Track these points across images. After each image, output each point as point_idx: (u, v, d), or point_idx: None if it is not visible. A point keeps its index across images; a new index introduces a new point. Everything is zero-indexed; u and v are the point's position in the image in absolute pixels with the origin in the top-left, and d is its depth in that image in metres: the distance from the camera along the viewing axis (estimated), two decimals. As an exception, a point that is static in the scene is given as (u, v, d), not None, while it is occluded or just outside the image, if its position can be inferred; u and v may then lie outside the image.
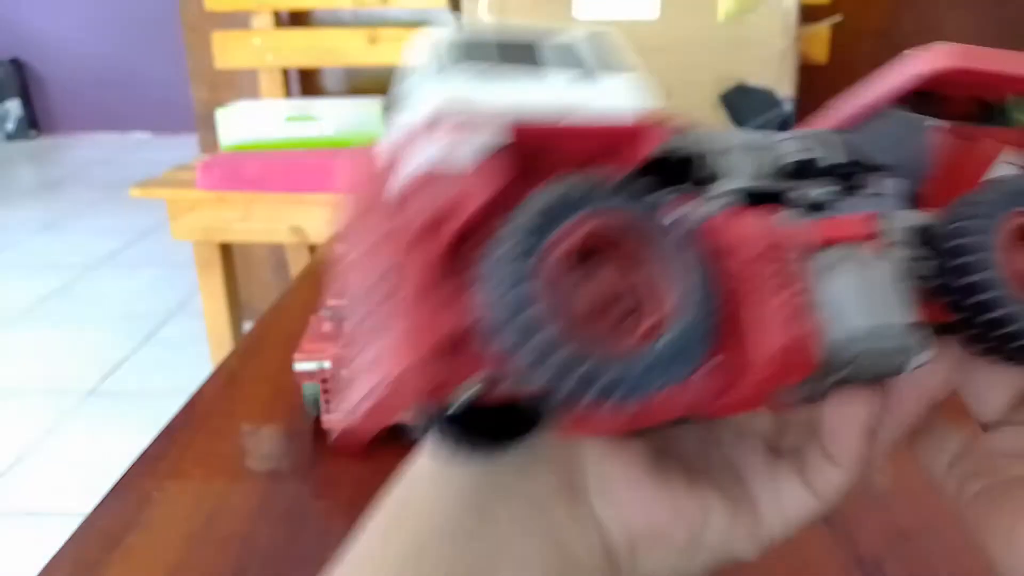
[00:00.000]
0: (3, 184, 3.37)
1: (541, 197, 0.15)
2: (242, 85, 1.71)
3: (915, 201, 0.20)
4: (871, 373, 0.18)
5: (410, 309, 0.15)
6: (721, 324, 0.16)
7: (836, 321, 0.17)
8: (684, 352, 0.15)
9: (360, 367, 0.16)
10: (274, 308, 0.73)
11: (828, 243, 0.18)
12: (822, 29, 1.44)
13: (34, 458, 1.45)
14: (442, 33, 0.16)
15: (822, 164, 0.20)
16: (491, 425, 0.19)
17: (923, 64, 0.19)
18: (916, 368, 0.18)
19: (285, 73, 1.64)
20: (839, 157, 0.20)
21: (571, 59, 0.17)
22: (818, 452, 0.22)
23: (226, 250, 1.36)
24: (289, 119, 1.30)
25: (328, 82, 1.77)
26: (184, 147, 2.91)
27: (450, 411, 0.18)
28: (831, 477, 0.22)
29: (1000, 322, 0.17)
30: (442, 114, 0.15)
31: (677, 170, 0.19)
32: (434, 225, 0.15)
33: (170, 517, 0.43)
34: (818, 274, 0.17)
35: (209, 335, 1.41)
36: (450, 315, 0.15)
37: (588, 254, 0.15)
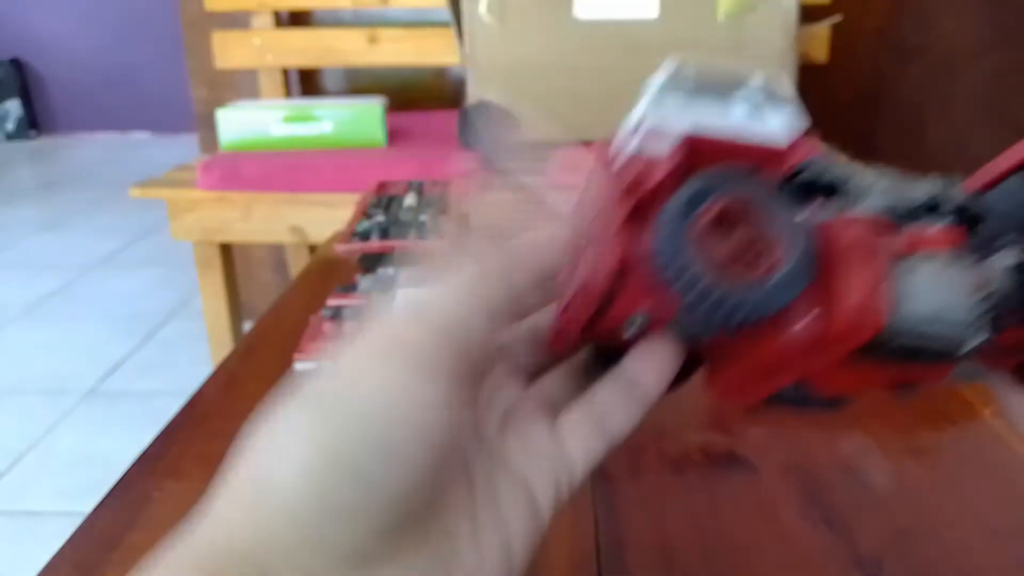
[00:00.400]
0: (3, 184, 3.37)
1: (694, 181, 0.22)
2: (242, 85, 1.71)
3: None
4: (928, 348, 0.22)
5: (610, 239, 0.23)
6: (819, 285, 0.22)
7: (906, 301, 0.22)
8: (789, 285, 0.22)
9: (572, 279, 0.25)
10: (274, 308, 0.73)
11: (916, 248, 0.22)
12: (822, 29, 1.44)
13: (34, 458, 1.46)
14: (666, 69, 0.24)
15: (947, 208, 0.24)
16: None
17: None
18: (968, 352, 0.22)
19: (285, 73, 1.65)
20: (965, 205, 0.24)
21: (752, 94, 0.24)
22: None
23: (226, 250, 1.36)
24: (289, 119, 1.30)
25: (328, 82, 1.77)
26: (184, 147, 2.91)
27: (625, 336, 0.25)
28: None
29: None
30: (648, 124, 0.23)
31: (823, 191, 0.25)
32: (633, 188, 0.23)
33: (170, 517, 0.43)
34: (904, 269, 0.22)
35: (209, 335, 1.41)
36: (635, 247, 0.23)
37: (727, 220, 0.22)
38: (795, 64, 1.22)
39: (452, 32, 1.32)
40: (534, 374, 0.29)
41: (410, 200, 0.76)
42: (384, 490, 0.20)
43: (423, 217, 0.71)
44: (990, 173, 0.26)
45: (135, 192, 1.28)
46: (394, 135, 1.35)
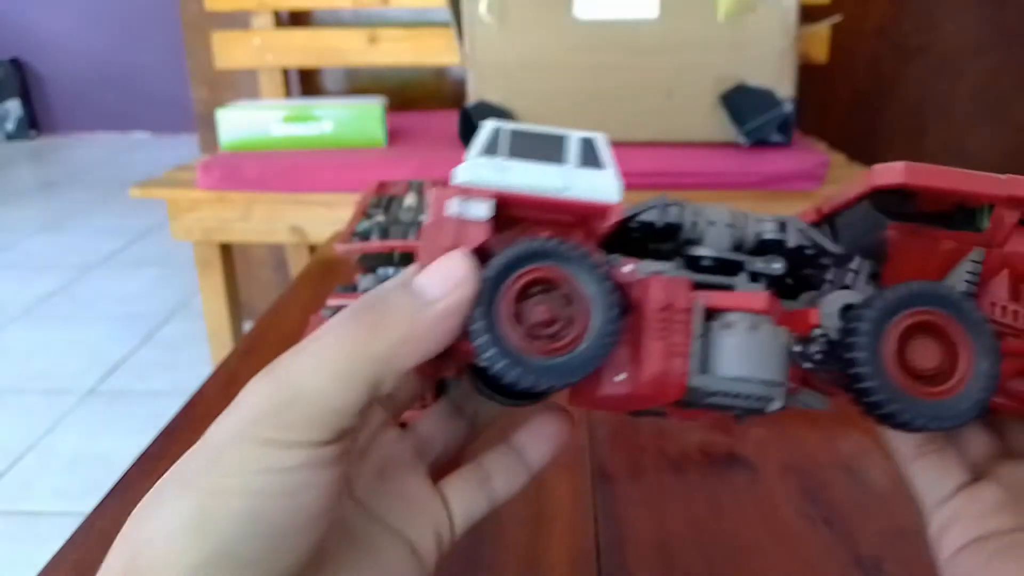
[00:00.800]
0: (3, 184, 3.37)
1: (506, 253, 0.23)
2: (242, 85, 1.71)
3: (878, 280, 0.25)
4: (737, 407, 0.23)
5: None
6: (629, 350, 0.24)
7: (710, 366, 0.23)
8: (591, 357, 0.23)
9: None
10: (274, 308, 0.73)
11: (725, 310, 0.23)
12: (822, 29, 1.44)
13: (34, 458, 1.46)
14: (491, 124, 0.25)
15: (789, 245, 0.25)
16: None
17: (877, 179, 0.24)
18: (773, 411, 0.23)
19: (285, 73, 1.65)
20: (804, 241, 0.25)
21: (575, 153, 0.24)
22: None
23: (226, 250, 1.36)
24: (289, 119, 1.30)
25: (328, 82, 1.77)
26: (184, 147, 2.91)
27: (475, 364, 0.25)
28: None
29: (870, 400, 0.23)
30: (464, 182, 0.24)
31: (660, 235, 0.26)
32: (452, 247, 0.24)
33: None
34: (712, 333, 0.23)
35: (209, 335, 1.41)
36: None
37: (539, 288, 0.23)
38: (795, 64, 1.22)
39: (452, 32, 1.32)
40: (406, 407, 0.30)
41: (410, 200, 0.76)
42: (261, 563, 0.21)
43: (423, 217, 0.71)
44: (830, 204, 0.27)
45: (135, 192, 1.28)
46: (394, 135, 1.35)
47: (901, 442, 0.27)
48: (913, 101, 1.68)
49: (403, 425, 0.29)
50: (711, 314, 0.24)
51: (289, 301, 0.76)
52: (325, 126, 1.30)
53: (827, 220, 0.27)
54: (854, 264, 0.25)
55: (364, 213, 0.72)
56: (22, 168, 3.69)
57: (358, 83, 1.75)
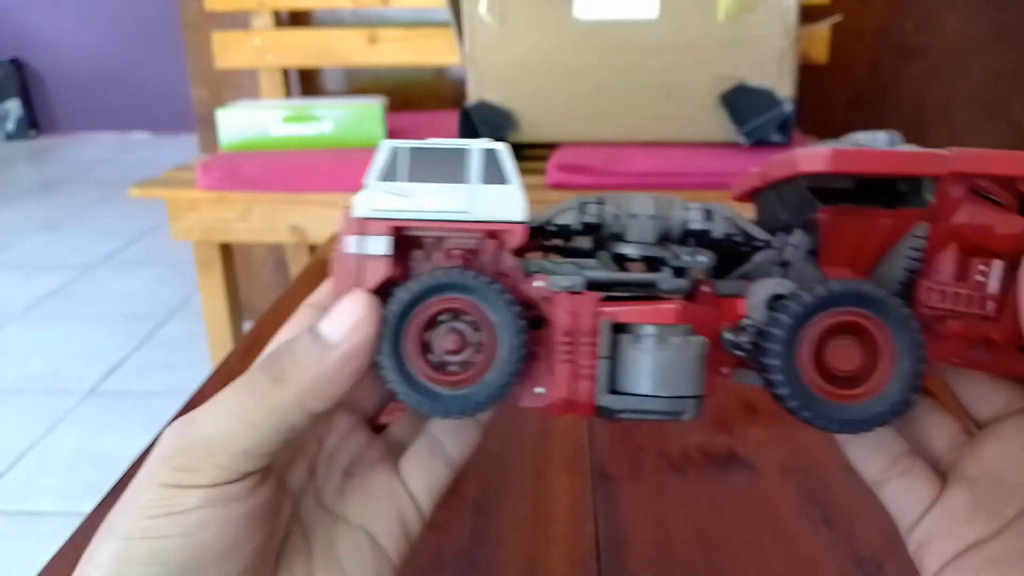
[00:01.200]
0: (3, 184, 3.37)
1: (406, 288, 0.23)
2: (242, 85, 1.71)
3: (816, 258, 0.25)
4: (652, 418, 0.24)
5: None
6: (546, 364, 0.24)
7: (621, 383, 0.23)
8: (498, 385, 0.23)
9: None
10: (274, 308, 0.73)
11: (636, 323, 0.23)
12: (822, 29, 1.44)
13: (34, 458, 1.46)
14: (389, 144, 0.24)
15: (714, 235, 0.25)
16: None
17: (803, 165, 0.23)
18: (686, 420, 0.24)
19: (285, 73, 1.65)
20: (731, 230, 0.25)
21: (477, 169, 0.24)
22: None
23: (226, 250, 1.36)
24: (289, 119, 1.30)
25: (328, 82, 1.77)
26: (184, 147, 2.91)
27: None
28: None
29: (783, 404, 0.23)
30: (360, 215, 0.24)
31: (584, 233, 0.26)
32: (357, 283, 0.24)
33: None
34: (622, 349, 0.23)
35: (209, 335, 1.41)
36: None
37: (448, 315, 0.24)
38: (795, 64, 1.22)
39: (452, 32, 1.32)
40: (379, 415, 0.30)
41: (410, 200, 0.76)
42: None
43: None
44: (768, 177, 0.26)
45: (135, 192, 1.28)
46: (394, 135, 1.34)
47: (865, 468, 0.27)
48: (913, 101, 1.68)
49: (383, 427, 0.30)
50: (623, 326, 0.23)
51: (289, 301, 0.76)
52: (325, 126, 1.30)
53: (773, 187, 0.27)
54: (794, 239, 0.25)
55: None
56: (22, 168, 3.69)
57: (358, 83, 1.75)
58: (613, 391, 0.23)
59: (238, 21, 1.62)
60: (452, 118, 1.28)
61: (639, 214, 0.25)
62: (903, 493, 0.26)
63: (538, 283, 0.24)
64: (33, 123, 4.21)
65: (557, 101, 1.24)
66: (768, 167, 0.26)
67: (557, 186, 1.22)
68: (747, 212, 0.29)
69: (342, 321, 0.23)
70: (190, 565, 0.22)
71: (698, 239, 0.25)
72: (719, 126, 1.21)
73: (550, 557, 0.41)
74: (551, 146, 1.26)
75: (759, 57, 1.20)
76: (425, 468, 0.28)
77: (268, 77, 1.63)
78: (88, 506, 0.45)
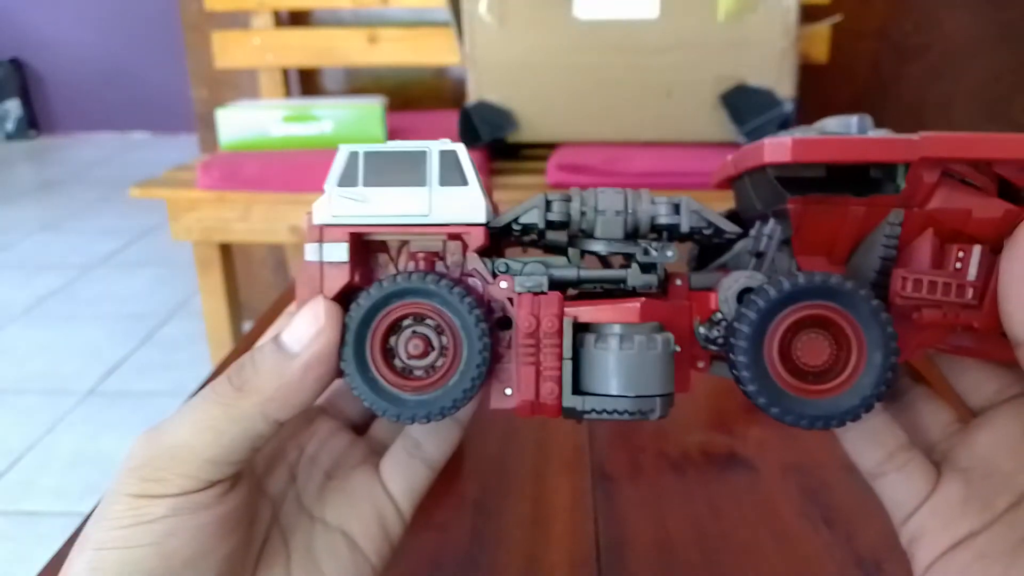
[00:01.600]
0: (3, 184, 3.37)
1: (367, 294, 0.23)
2: (242, 85, 1.71)
3: (790, 247, 0.24)
4: (621, 418, 0.23)
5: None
6: (513, 365, 0.24)
7: (587, 384, 0.23)
8: (463, 389, 0.23)
9: None
10: (274, 308, 0.73)
11: (602, 323, 0.23)
12: (822, 29, 1.44)
13: (34, 458, 1.45)
14: (347, 149, 0.24)
15: (683, 230, 0.25)
16: None
17: (767, 156, 0.22)
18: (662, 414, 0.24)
19: (285, 73, 1.65)
20: (699, 223, 0.25)
21: (431, 171, 0.24)
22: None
23: (226, 250, 1.36)
24: (289, 119, 1.30)
25: (328, 82, 1.77)
26: (184, 147, 2.91)
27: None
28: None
29: (753, 400, 0.23)
30: (319, 222, 0.24)
31: (558, 226, 0.25)
32: (319, 291, 0.24)
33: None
34: (590, 343, 0.23)
35: (209, 335, 1.41)
36: None
37: (412, 319, 0.24)
38: (795, 64, 1.22)
39: (452, 32, 1.32)
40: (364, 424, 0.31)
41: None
42: None
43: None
44: (739, 166, 0.26)
45: (135, 192, 1.28)
46: (394, 135, 1.35)
47: (863, 460, 0.27)
48: (913, 101, 1.68)
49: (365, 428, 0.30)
50: (587, 326, 0.23)
51: (289, 301, 0.76)
52: (325, 126, 1.30)
53: (747, 176, 0.26)
54: (767, 229, 0.24)
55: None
56: (22, 168, 3.69)
57: (358, 83, 1.75)
58: (578, 391, 0.23)
59: (238, 21, 1.62)
60: (452, 118, 1.28)
61: (606, 210, 0.24)
62: (899, 486, 0.26)
63: (503, 283, 0.24)
64: (33, 123, 4.21)
65: (557, 101, 1.24)
66: (739, 156, 0.26)
67: (557, 186, 1.21)
68: (728, 201, 0.28)
69: (302, 330, 0.23)
70: (160, 573, 0.22)
71: (667, 233, 0.25)
72: (719, 126, 1.21)
73: (550, 557, 0.41)
74: (551, 146, 1.26)
75: (759, 57, 1.20)
76: (404, 470, 0.28)
77: (268, 77, 1.63)
78: (88, 506, 0.44)
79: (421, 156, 0.24)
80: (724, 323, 0.23)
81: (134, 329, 1.96)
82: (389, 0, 1.55)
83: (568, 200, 0.25)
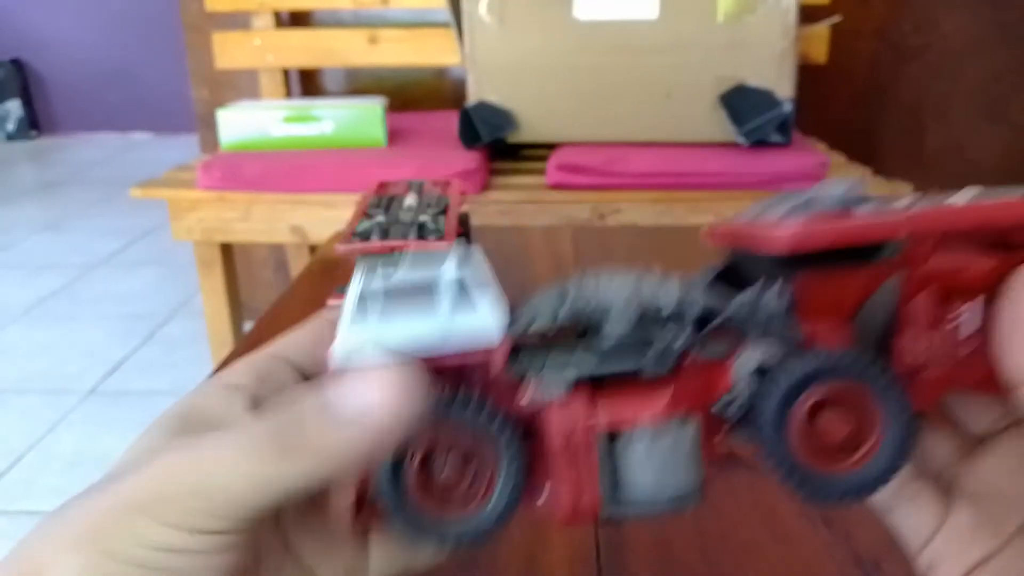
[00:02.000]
0: (3, 184, 3.37)
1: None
2: (242, 85, 1.71)
3: (793, 311, 0.24)
4: (656, 513, 0.24)
5: None
6: (544, 476, 0.24)
7: (622, 488, 0.23)
8: (502, 511, 0.23)
9: None
10: (274, 308, 0.73)
11: (628, 425, 0.23)
12: (822, 29, 1.44)
13: (34, 458, 1.46)
14: (356, 290, 0.23)
15: (691, 315, 0.24)
16: None
17: (765, 246, 0.23)
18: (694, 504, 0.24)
19: (285, 73, 1.65)
20: (705, 312, 0.24)
21: (449, 286, 0.23)
22: None
23: (226, 250, 1.36)
24: (289, 119, 1.30)
25: (328, 82, 1.77)
26: (184, 147, 2.91)
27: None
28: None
29: (780, 479, 0.23)
30: (337, 364, 0.23)
31: (563, 329, 0.25)
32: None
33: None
34: (618, 454, 0.23)
35: (209, 335, 1.41)
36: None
37: (444, 451, 0.23)
38: (795, 64, 1.22)
39: (452, 32, 1.32)
40: None
41: (410, 200, 0.76)
42: None
43: (423, 217, 0.71)
44: (735, 244, 0.26)
45: (136, 192, 1.28)
46: (394, 135, 1.35)
47: (873, 496, 0.26)
48: (912, 101, 1.68)
49: None
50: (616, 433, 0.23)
51: (289, 301, 0.76)
52: (325, 126, 1.30)
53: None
54: (768, 297, 0.24)
55: (364, 213, 0.72)
56: (22, 168, 3.69)
57: (358, 83, 1.75)
58: (615, 498, 0.23)
59: (238, 21, 1.62)
60: (452, 118, 1.28)
61: (612, 305, 0.24)
62: (912, 517, 0.26)
63: (526, 399, 0.24)
64: (34, 123, 4.21)
65: (557, 101, 1.25)
66: (732, 235, 0.26)
67: (557, 186, 1.22)
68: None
69: (360, 397, 0.22)
70: None
71: (675, 319, 0.25)
72: (719, 126, 1.21)
73: (550, 557, 0.41)
74: (551, 146, 1.26)
75: (759, 57, 1.20)
76: (391, 556, 0.27)
77: (268, 77, 1.63)
78: (89, 506, 0.45)
79: (431, 287, 0.23)
80: (741, 400, 0.23)
81: (135, 329, 1.96)
82: (389, 1, 1.56)
83: (566, 295, 0.24)
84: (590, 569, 0.40)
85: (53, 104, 4.22)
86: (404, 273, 0.23)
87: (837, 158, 1.33)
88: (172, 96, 3.85)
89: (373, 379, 0.22)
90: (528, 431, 0.24)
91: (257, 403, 0.25)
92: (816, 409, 0.23)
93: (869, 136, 1.69)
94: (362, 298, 0.23)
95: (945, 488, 0.26)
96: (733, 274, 0.26)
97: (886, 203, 0.23)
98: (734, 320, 0.24)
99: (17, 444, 1.49)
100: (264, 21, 1.60)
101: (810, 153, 1.22)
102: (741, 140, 1.20)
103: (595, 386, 0.24)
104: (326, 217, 1.23)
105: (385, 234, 0.67)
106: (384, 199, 0.77)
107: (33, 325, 2.00)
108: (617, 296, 0.24)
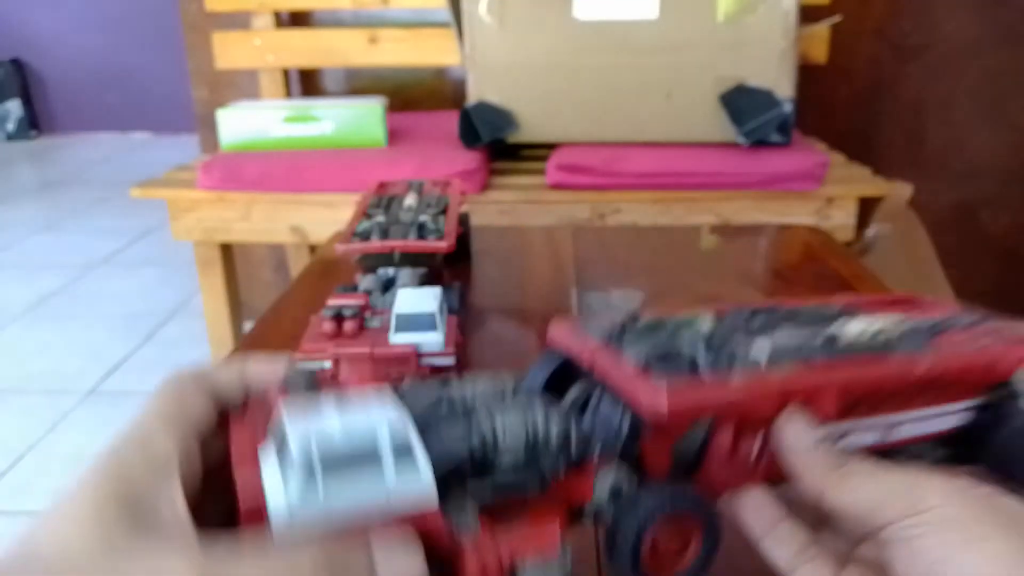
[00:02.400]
0: (3, 184, 3.37)
1: None
2: (242, 85, 1.71)
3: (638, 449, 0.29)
4: None
5: None
6: None
7: None
8: None
9: None
10: (274, 308, 0.73)
11: (523, 555, 0.26)
12: (822, 29, 1.44)
13: (34, 458, 1.46)
14: (299, 464, 0.23)
15: (561, 442, 0.28)
16: None
17: (649, 414, 0.28)
18: None
19: (285, 73, 1.65)
20: (565, 433, 0.28)
21: (384, 452, 0.24)
22: None
23: (226, 250, 1.36)
24: (289, 119, 1.30)
25: (328, 82, 1.77)
26: (184, 147, 2.91)
27: None
28: None
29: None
30: (277, 524, 0.24)
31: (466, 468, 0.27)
32: None
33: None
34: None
35: (209, 335, 1.41)
36: None
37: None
38: (795, 64, 1.22)
39: (452, 32, 1.32)
40: None
41: (410, 200, 0.76)
42: None
43: (423, 217, 0.71)
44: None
45: (136, 192, 1.28)
46: (394, 135, 1.35)
47: (778, 561, 0.31)
48: (913, 101, 1.68)
49: None
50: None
51: (289, 301, 0.76)
52: (325, 126, 1.30)
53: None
54: (624, 426, 0.29)
55: (364, 213, 0.72)
56: (22, 168, 3.69)
57: (358, 83, 1.75)
58: None
59: (238, 21, 1.62)
60: (452, 118, 1.28)
61: (507, 448, 0.27)
62: (813, 574, 0.30)
63: (453, 531, 0.26)
64: (33, 123, 4.21)
65: (557, 101, 1.25)
66: (569, 348, 0.32)
67: (557, 186, 1.22)
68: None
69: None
70: None
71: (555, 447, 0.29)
72: (719, 126, 1.21)
73: (550, 556, 0.41)
74: (551, 146, 1.26)
75: (759, 57, 1.20)
76: None
77: (268, 77, 1.63)
78: (89, 506, 0.45)
79: (376, 458, 0.24)
80: (600, 511, 0.28)
81: (135, 329, 1.96)
82: (389, 1, 1.56)
83: (470, 446, 0.27)
84: (590, 569, 0.40)
85: (53, 104, 4.22)
86: (338, 431, 0.24)
87: (837, 158, 1.33)
88: (172, 96, 3.86)
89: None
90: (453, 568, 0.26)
91: (186, 454, 0.27)
92: (661, 526, 0.28)
93: (869, 136, 1.69)
94: (308, 471, 0.23)
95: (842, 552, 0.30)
96: (563, 369, 0.32)
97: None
98: (594, 436, 0.29)
99: (17, 444, 1.49)
100: (264, 21, 1.60)
101: (810, 153, 1.22)
102: (741, 140, 1.20)
103: (490, 511, 0.27)
104: (326, 217, 1.23)
105: (385, 234, 0.67)
106: (384, 199, 0.77)
107: (33, 325, 2.00)
108: (513, 442, 0.27)
